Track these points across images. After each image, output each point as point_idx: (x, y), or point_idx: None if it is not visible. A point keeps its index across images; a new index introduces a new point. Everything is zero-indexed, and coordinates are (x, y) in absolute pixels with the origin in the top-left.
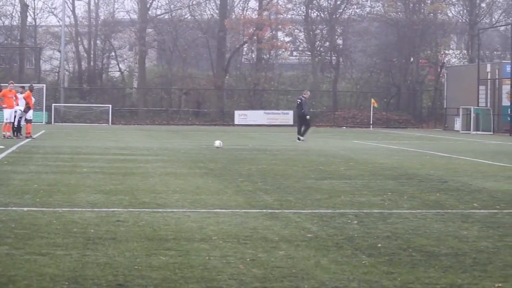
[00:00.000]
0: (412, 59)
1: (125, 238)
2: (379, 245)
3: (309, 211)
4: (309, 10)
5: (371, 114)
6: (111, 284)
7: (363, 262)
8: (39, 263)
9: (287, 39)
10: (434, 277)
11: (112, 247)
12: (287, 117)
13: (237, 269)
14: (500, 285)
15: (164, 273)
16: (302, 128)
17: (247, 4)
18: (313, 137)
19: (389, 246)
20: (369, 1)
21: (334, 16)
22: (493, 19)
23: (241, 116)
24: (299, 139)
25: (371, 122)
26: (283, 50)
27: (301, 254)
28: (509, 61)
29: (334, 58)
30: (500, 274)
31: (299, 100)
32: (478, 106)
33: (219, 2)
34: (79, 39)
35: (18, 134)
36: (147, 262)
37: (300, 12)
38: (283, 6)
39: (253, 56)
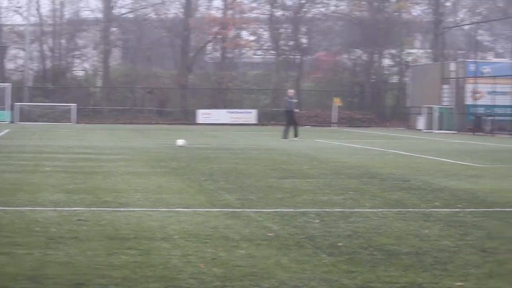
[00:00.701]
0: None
1: (87, 237)
2: (340, 244)
3: (271, 210)
4: (274, 9)
5: (335, 113)
6: (72, 283)
7: (324, 261)
8: (0, 262)
9: (252, 38)
10: (394, 276)
11: (74, 246)
12: (250, 116)
13: (197, 268)
14: (460, 284)
15: (124, 272)
16: (285, 128)
17: (212, 3)
18: (276, 136)
19: (350, 245)
20: (333, 0)
21: (298, 15)
22: (458, 18)
23: (204, 115)
24: (296, 136)
25: (334, 121)
26: (247, 49)
27: (261, 253)
28: (473, 60)
29: (298, 57)
30: (460, 273)
31: (287, 98)
32: (441, 105)
33: (183, 1)
34: (43, 38)
35: None
36: (108, 261)
37: (264, 11)
38: (248, 5)
39: (217, 55)
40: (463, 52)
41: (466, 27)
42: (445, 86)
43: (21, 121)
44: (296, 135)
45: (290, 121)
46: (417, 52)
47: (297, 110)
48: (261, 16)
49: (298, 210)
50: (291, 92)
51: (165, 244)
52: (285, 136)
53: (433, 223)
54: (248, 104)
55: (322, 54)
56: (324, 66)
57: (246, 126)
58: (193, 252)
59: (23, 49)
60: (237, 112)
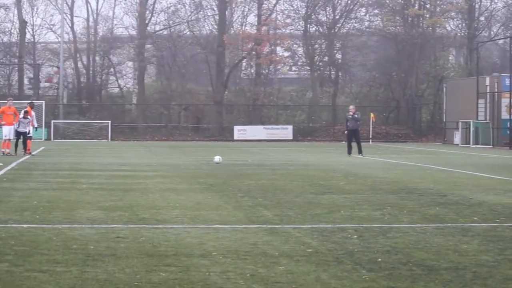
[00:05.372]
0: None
1: (125, 255)
2: (379, 259)
3: (309, 226)
4: (308, 25)
5: (371, 128)
6: None
7: (363, 276)
8: (39, 280)
9: (286, 54)
10: None
11: (112, 263)
12: (286, 132)
13: (237, 284)
14: None
15: None
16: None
17: (246, 19)
18: (313, 151)
19: (389, 260)
20: (367, 16)
21: (332, 31)
22: (492, 32)
23: (240, 132)
24: (361, 154)
25: (370, 136)
26: (282, 65)
27: (301, 269)
28: (508, 75)
29: (333, 72)
30: (500, 287)
31: (348, 115)
32: (477, 119)
33: (218, 18)
34: (78, 55)
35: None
36: (147, 278)
37: (298, 27)
38: (282, 21)
39: (252, 71)
40: (497, 66)
41: (500, 41)
42: (480, 101)
43: (56, 138)
44: (360, 153)
45: (352, 138)
46: (451, 67)
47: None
48: (295, 32)
49: (336, 225)
50: (352, 109)
51: (204, 261)
52: (349, 151)
53: (472, 238)
54: (283, 120)
55: None
56: None
57: (282, 142)
58: (232, 268)
59: (57, 67)
60: (273, 128)
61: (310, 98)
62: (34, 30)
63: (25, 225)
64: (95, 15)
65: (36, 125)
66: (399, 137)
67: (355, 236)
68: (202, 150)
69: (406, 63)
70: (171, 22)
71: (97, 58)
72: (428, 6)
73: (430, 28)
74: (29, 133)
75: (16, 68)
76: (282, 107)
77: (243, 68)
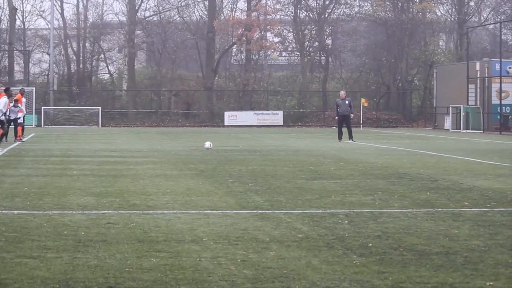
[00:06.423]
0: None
1: (116, 240)
2: (370, 244)
3: (300, 211)
4: (298, 11)
5: (361, 113)
6: (102, 287)
7: (354, 261)
8: (30, 266)
9: (276, 39)
10: (425, 276)
11: (103, 249)
12: (277, 117)
13: (228, 270)
14: (491, 283)
15: (155, 275)
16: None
17: (236, 5)
18: (303, 137)
19: (380, 245)
20: (357, 1)
21: (322, 16)
22: (482, 18)
23: (231, 117)
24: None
25: (361, 122)
26: (272, 50)
27: (292, 254)
28: (498, 60)
29: (323, 58)
30: (491, 272)
31: (338, 100)
32: (467, 104)
33: (207, 4)
34: (68, 41)
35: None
36: (138, 264)
37: (288, 12)
38: (272, 6)
39: (242, 57)
40: (488, 51)
41: (490, 26)
42: (471, 86)
43: (46, 124)
44: (350, 138)
45: (343, 123)
46: (442, 52)
47: (352, 115)
48: (285, 17)
49: (327, 211)
50: (342, 94)
51: (195, 247)
52: (340, 137)
53: (463, 223)
54: (273, 105)
55: None
56: None
57: (272, 128)
58: (223, 254)
59: (48, 53)
60: (263, 114)
61: (300, 84)
62: (24, 17)
63: (15, 211)
64: (85, 1)
65: (24, 112)
66: (389, 122)
67: (346, 221)
68: (193, 136)
69: (396, 49)
70: (161, 8)
71: (87, 44)
72: None
73: (420, 13)
74: (19, 118)
75: (6, 55)
76: (272, 93)
77: (233, 54)
